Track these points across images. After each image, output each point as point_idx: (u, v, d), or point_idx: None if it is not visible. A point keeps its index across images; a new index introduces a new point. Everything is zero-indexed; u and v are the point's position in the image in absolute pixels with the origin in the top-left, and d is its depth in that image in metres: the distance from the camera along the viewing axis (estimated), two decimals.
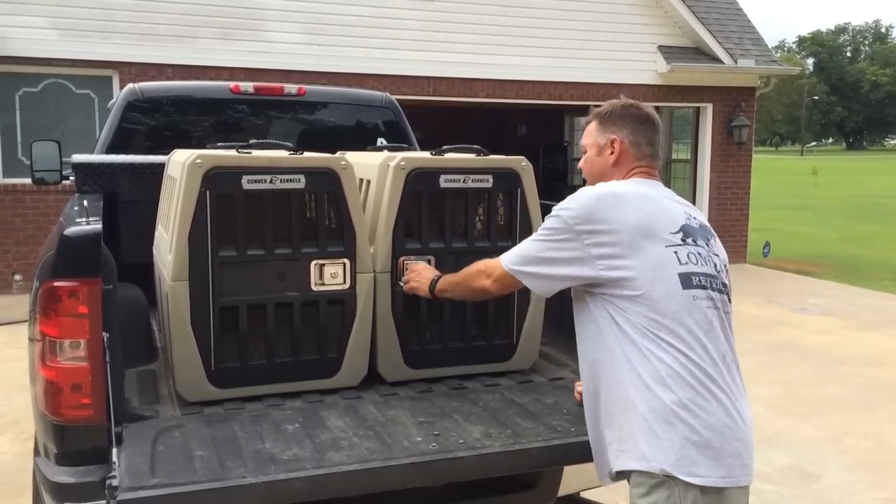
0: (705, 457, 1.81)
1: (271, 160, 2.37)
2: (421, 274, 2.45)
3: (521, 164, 2.66)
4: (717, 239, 2.05)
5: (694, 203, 11.94)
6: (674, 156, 12.93)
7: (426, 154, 2.75)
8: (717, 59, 11.22)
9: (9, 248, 8.80)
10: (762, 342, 7.01)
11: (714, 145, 11.73)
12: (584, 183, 2.20)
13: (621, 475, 1.95)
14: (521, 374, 2.73)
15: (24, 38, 8.58)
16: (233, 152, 2.40)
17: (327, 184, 2.40)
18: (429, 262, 2.55)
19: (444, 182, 2.56)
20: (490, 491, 2.40)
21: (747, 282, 10.13)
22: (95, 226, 2.14)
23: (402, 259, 2.53)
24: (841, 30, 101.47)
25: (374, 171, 2.62)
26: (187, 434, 2.11)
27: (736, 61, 11.28)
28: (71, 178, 3.48)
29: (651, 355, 1.85)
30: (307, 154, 2.46)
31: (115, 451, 1.97)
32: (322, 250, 2.41)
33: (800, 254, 13.04)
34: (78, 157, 3.36)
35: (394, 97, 4.75)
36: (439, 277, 2.38)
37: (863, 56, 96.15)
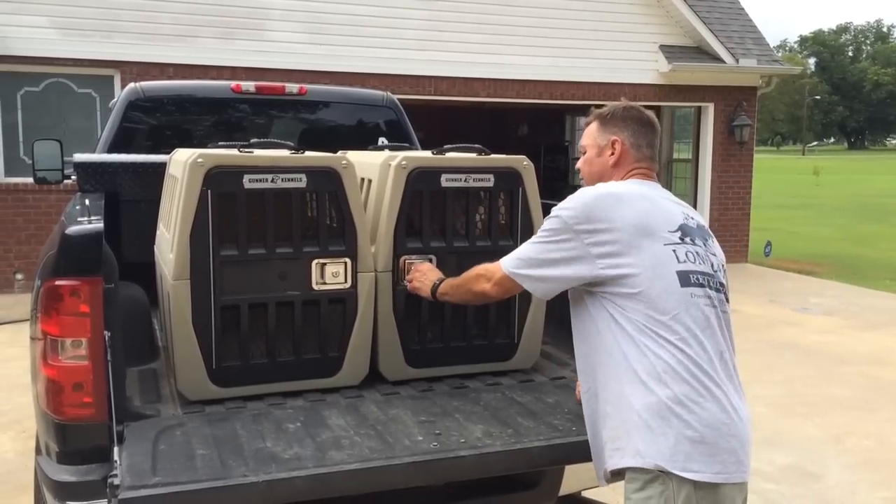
0: (700, 452, 1.82)
1: (273, 159, 2.37)
2: (425, 275, 2.45)
3: (522, 163, 2.66)
4: (715, 240, 2.07)
5: (695, 203, 11.99)
6: (675, 155, 12.93)
7: (427, 153, 2.75)
8: (718, 59, 11.21)
9: (10, 248, 8.81)
10: (764, 342, 7.00)
11: (715, 145, 11.72)
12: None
13: (616, 475, 1.96)
14: (523, 374, 2.73)
15: (25, 38, 8.59)
16: (234, 151, 2.40)
17: (329, 183, 2.40)
18: (430, 261, 2.55)
19: (446, 181, 2.56)
20: (491, 490, 2.39)
21: (749, 281, 10.12)
22: (97, 225, 2.15)
23: (403, 258, 2.53)
24: (843, 29, 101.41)
25: (375, 170, 2.62)
26: (188, 433, 2.11)
27: (737, 61, 11.27)
28: (72, 177, 3.48)
29: (648, 352, 1.86)
30: (308, 153, 2.46)
31: (116, 449, 1.97)
32: (323, 249, 2.41)
33: (801, 253, 13.03)
34: (79, 157, 3.36)
35: (395, 97, 4.75)
36: (442, 280, 2.38)
37: (864, 56, 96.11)
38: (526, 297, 2.65)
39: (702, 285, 1.92)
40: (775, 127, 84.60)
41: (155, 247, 2.89)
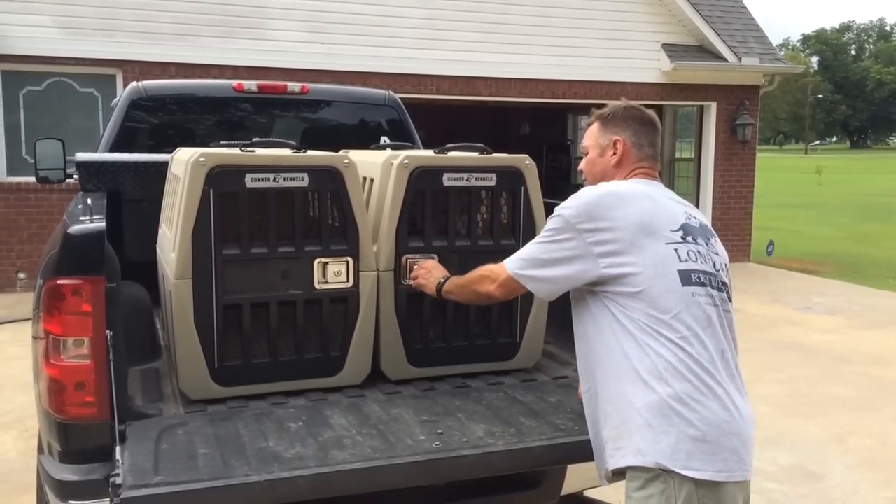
0: (701, 451, 1.81)
1: (275, 158, 2.37)
2: (430, 272, 2.45)
3: (524, 162, 2.65)
4: (718, 239, 2.08)
5: (697, 201, 11.96)
6: (677, 154, 12.92)
7: (429, 152, 2.75)
8: (721, 58, 11.19)
9: (13, 247, 8.82)
10: (766, 341, 6.99)
11: (718, 144, 11.71)
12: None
13: (618, 474, 1.95)
14: (525, 373, 2.73)
15: (27, 37, 8.60)
16: (236, 150, 2.40)
17: (330, 182, 2.40)
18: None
19: (448, 180, 2.55)
20: (493, 490, 2.39)
21: (751, 280, 10.11)
22: (99, 224, 2.15)
23: (405, 257, 2.53)
24: (845, 28, 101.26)
25: (377, 169, 2.61)
26: (191, 432, 2.11)
27: (740, 59, 11.25)
28: (75, 176, 3.48)
29: (650, 350, 1.86)
30: (310, 152, 2.46)
31: (118, 448, 1.97)
32: (325, 249, 2.41)
33: (804, 252, 13.01)
34: (82, 156, 3.36)
35: (397, 95, 4.75)
36: (447, 278, 2.38)
37: (867, 54, 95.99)
38: (528, 296, 2.64)
39: (703, 284, 1.92)
40: (778, 126, 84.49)
41: (157, 246, 2.89)
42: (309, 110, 4.67)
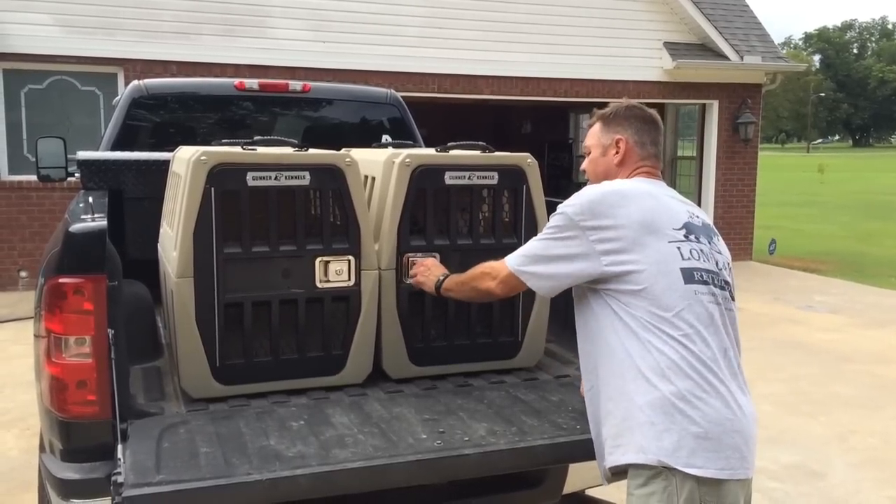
0: (703, 448, 1.81)
1: (276, 157, 2.36)
2: (430, 270, 2.45)
3: (526, 161, 2.65)
4: (721, 238, 2.08)
5: (699, 200, 11.96)
6: (679, 153, 12.90)
7: (431, 151, 2.75)
8: (723, 56, 11.18)
9: (14, 245, 8.82)
10: (768, 340, 6.99)
11: (720, 142, 11.70)
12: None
13: (617, 472, 1.95)
14: (527, 372, 2.73)
15: (29, 35, 8.60)
16: (238, 149, 2.40)
17: (332, 180, 2.40)
18: (433, 258, 2.54)
19: (450, 179, 2.55)
20: (495, 488, 2.39)
21: (753, 279, 10.10)
22: (100, 222, 2.14)
23: (407, 256, 2.53)
24: (847, 26, 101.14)
25: (378, 167, 2.61)
26: (192, 431, 2.11)
27: (742, 58, 11.24)
28: (76, 174, 3.48)
29: (652, 348, 1.86)
30: (312, 151, 2.46)
31: (120, 447, 1.97)
32: (327, 247, 2.41)
33: (806, 251, 13.00)
34: (83, 154, 3.36)
35: (399, 94, 4.74)
36: (447, 276, 2.38)
37: (869, 53, 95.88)
38: (530, 294, 2.64)
39: (706, 283, 1.92)
40: (780, 124, 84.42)
41: (158, 244, 2.89)
42: (310, 109, 4.67)
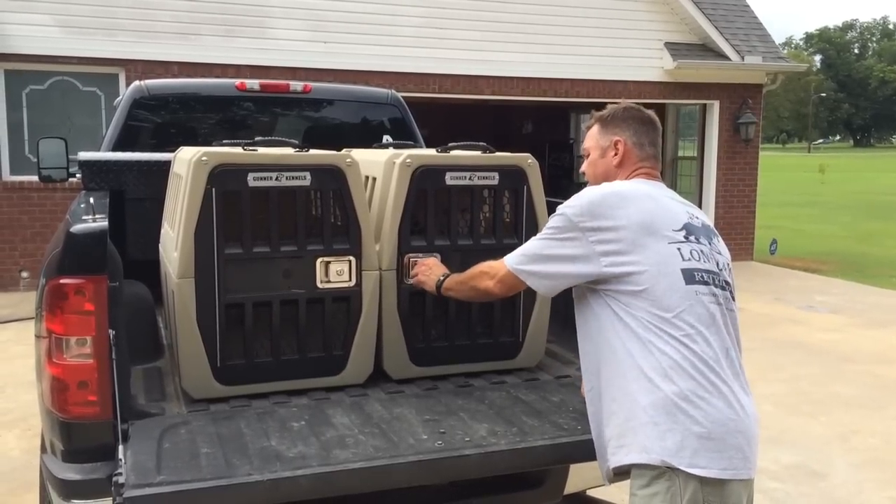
0: (707, 448, 1.81)
1: (277, 157, 2.37)
2: (431, 269, 2.45)
3: (527, 161, 2.65)
4: (721, 239, 2.08)
5: (700, 200, 11.95)
6: (680, 153, 12.90)
7: (432, 151, 2.75)
8: (723, 56, 11.18)
9: (16, 246, 8.83)
10: (769, 340, 6.98)
11: (721, 142, 11.70)
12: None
13: (619, 473, 1.95)
14: (528, 372, 2.73)
15: (30, 36, 8.61)
16: (238, 149, 2.40)
17: (333, 181, 2.40)
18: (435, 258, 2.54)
19: (450, 179, 2.55)
20: (496, 489, 2.39)
21: (754, 279, 10.10)
22: (102, 223, 2.15)
23: (408, 256, 2.53)
24: (848, 26, 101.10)
25: (379, 168, 2.61)
26: (193, 431, 2.11)
27: (743, 58, 11.23)
28: (77, 175, 3.48)
29: (654, 348, 1.86)
30: (313, 151, 2.46)
31: (121, 448, 1.97)
32: (328, 248, 2.41)
33: (807, 251, 12.99)
34: (84, 155, 3.36)
35: (399, 94, 4.74)
36: (447, 276, 2.38)
37: (870, 53, 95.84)
38: (531, 295, 2.64)
39: (706, 283, 1.92)
40: (781, 124, 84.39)
41: (159, 245, 2.89)
42: (311, 109, 4.67)
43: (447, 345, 2.63)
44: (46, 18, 8.66)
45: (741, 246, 11.58)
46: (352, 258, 2.43)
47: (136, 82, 4.33)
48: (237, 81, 4.38)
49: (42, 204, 8.76)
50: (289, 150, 2.46)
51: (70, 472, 2.06)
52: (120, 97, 4.71)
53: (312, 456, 1.97)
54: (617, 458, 1.92)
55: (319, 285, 2.41)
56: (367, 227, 2.45)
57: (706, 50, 11.28)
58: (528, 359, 2.75)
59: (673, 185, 12.01)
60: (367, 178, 2.66)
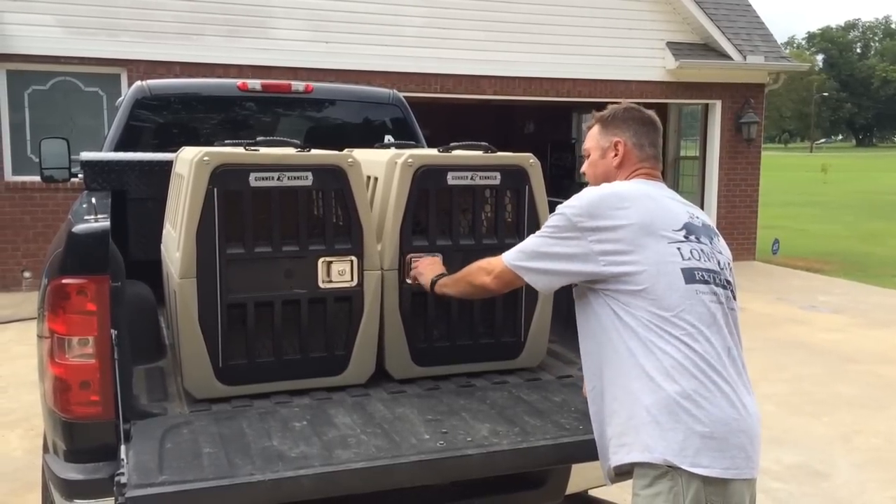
0: (709, 448, 1.81)
1: (279, 157, 2.37)
2: (428, 267, 2.46)
3: (528, 161, 2.65)
4: (721, 238, 2.08)
5: (702, 200, 11.94)
6: (682, 153, 12.89)
7: (434, 151, 2.75)
8: (725, 56, 11.17)
9: (18, 246, 8.84)
10: (771, 340, 6.98)
11: (723, 142, 11.69)
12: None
13: (621, 472, 1.95)
14: (529, 372, 2.73)
15: (32, 37, 8.62)
16: (240, 149, 2.40)
17: (335, 181, 2.40)
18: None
19: (452, 179, 2.55)
20: (498, 489, 2.39)
21: (756, 279, 10.08)
22: (104, 223, 2.15)
23: (409, 256, 2.53)
24: (851, 26, 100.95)
25: (381, 168, 2.61)
26: (195, 431, 2.11)
27: (745, 57, 11.23)
28: (79, 175, 3.48)
29: (655, 348, 1.86)
30: (314, 151, 2.46)
31: (123, 448, 1.97)
32: (329, 248, 2.41)
33: (809, 251, 12.98)
34: (86, 155, 3.36)
35: (401, 94, 4.74)
36: (443, 275, 2.38)
37: (873, 52, 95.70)
38: (532, 294, 2.64)
39: (707, 282, 1.92)
40: (783, 124, 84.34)
41: (161, 245, 2.90)
42: (313, 109, 4.67)
43: (449, 345, 2.63)
44: (48, 19, 8.68)
45: (743, 246, 11.57)
46: (353, 258, 2.44)
47: (138, 82, 4.33)
48: (239, 81, 4.39)
49: (44, 204, 8.78)
50: (290, 151, 2.46)
51: (72, 472, 2.07)
52: (122, 97, 4.71)
53: (314, 456, 1.97)
54: (619, 457, 1.92)
55: (321, 285, 2.41)
56: (369, 227, 2.45)
57: (708, 50, 11.27)
58: (530, 359, 2.75)
59: (675, 185, 12.03)
60: (368, 178, 2.66)
